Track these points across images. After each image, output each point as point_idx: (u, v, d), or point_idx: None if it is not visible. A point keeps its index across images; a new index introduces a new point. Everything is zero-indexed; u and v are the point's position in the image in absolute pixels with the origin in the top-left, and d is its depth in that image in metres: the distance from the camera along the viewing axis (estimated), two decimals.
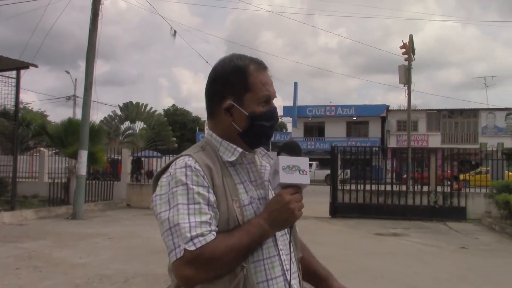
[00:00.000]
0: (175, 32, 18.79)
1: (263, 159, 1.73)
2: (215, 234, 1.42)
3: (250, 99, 1.57)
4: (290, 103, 47.18)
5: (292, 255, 1.60)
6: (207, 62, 58.45)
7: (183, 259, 1.37)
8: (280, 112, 52.02)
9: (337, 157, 16.65)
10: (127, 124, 45.71)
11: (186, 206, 1.42)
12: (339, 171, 16.77)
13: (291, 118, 47.38)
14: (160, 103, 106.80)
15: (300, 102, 47.62)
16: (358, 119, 45.62)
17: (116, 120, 45.69)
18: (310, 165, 39.88)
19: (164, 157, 19.21)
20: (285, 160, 1.51)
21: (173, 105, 66.68)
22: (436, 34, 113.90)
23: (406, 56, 21.22)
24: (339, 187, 16.43)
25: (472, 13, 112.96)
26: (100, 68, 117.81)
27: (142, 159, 28.98)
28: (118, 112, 45.40)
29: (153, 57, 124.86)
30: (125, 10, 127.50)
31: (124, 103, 45.92)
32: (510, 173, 19.26)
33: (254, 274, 1.49)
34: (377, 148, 21.55)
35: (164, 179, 1.50)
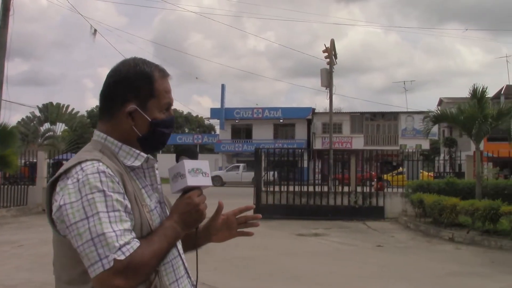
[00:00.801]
0: (95, 30, 18.19)
1: None
2: (138, 241, 1.42)
3: (154, 106, 1.59)
4: (218, 105, 47.12)
5: (184, 255, 1.68)
6: None
7: (113, 270, 1.34)
8: (207, 114, 51.94)
9: (261, 159, 16.72)
10: (47, 126, 43.70)
11: (106, 214, 1.39)
12: (263, 173, 16.83)
13: (218, 120, 47.31)
14: (85, 104, 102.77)
15: (229, 105, 47.79)
16: (285, 122, 46.26)
17: (35, 122, 43.58)
18: (238, 167, 40.16)
19: None
20: (190, 164, 1.58)
21: (97, 106, 64.66)
22: (360, 40, 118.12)
23: (328, 59, 21.74)
24: (263, 189, 16.50)
25: (394, 20, 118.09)
26: (19, 67, 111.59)
27: (63, 162, 27.82)
28: (38, 113, 43.32)
29: (77, 57, 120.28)
30: (46, 7, 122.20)
31: (43, 104, 43.79)
32: (426, 173, 20.22)
33: (166, 276, 1.53)
34: (301, 150, 21.81)
35: (70, 186, 1.42)
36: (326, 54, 21.68)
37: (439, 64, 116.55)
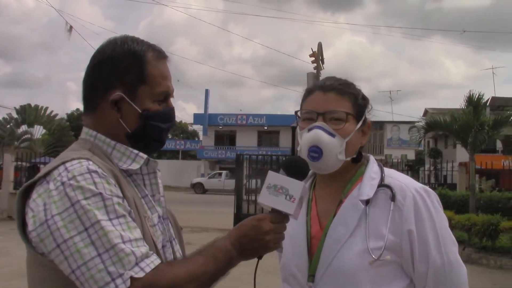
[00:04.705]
0: (70, 27, 17.30)
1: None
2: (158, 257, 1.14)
3: (145, 94, 1.31)
4: (202, 110, 46.36)
5: None
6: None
7: None
8: (190, 119, 51.12)
9: (243, 166, 15.86)
10: (24, 128, 42.41)
11: (110, 222, 1.10)
12: (245, 181, 15.96)
13: (202, 126, 46.54)
14: (67, 108, 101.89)
15: (213, 111, 47.04)
16: (270, 129, 45.54)
17: (11, 124, 42.24)
18: (220, 174, 39.21)
19: None
20: (274, 178, 1.29)
21: (77, 109, 63.34)
22: (345, 50, 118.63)
23: (315, 64, 21.01)
24: (245, 197, 15.62)
25: (379, 31, 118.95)
26: (1, 68, 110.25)
27: (40, 166, 26.68)
28: (15, 115, 42.00)
29: (62, 59, 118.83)
30: (32, 9, 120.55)
31: (21, 106, 42.51)
32: None
33: None
34: (285, 157, 20.98)
35: (54, 192, 1.12)
36: (313, 58, 20.94)
37: (424, 75, 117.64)
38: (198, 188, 38.01)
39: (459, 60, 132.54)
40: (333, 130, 1.49)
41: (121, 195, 1.19)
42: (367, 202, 1.48)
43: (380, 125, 44.49)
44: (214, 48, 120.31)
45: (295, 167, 1.34)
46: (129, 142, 1.33)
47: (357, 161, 1.59)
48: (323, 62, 21.80)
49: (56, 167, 1.20)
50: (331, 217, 1.52)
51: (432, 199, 1.50)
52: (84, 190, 1.13)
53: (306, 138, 1.50)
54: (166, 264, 1.18)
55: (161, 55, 1.37)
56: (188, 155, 53.77)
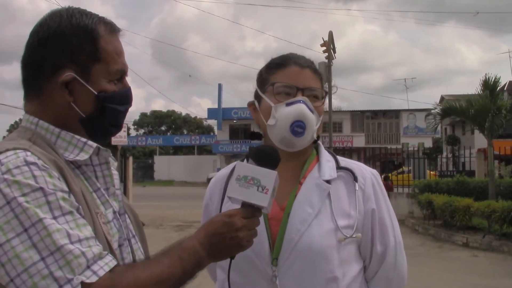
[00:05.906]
0: None
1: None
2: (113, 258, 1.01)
3: (100, 73, 1.16)
4: (216, 105, 46.32)
5: None
6: None
7: None
8: (205, 114, 51.12)
9: None
10: None
11: (54, 220, 0.97)
12: None
13: (216, 121, 46.50)
14: None
15: (228, 105, 46.93)
16: None
17: None
18: None
19: None
20: (244, 168, 1.19)
21: None
22: (358, 39, 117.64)
23: (327, 54, 20.76)
24: None
25: (391, 19, 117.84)
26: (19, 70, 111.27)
27: None
28: None
29: None
30: (45, 10, 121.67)
31: None
32: (432, 172, 19.20)
33: None
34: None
35: None
36: (324, 48, 20.68)
37: (439, 62, 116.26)
38: None
39: (474, 45, 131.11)
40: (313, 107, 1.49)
41: (66, 189, 1.05)
42: (327, 183, 1.50)
43: (395, 113, 43.98)
44: (227, 42, 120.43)
45: (266, 155, 1.23)
46: (84, 128, 1.19)
47: (314, 142, 1.60)
48: (334, 51, 21.54)
49: None
50: (291, 197, 1.48)
51: (381, 182, 1.59)
52: (21, 185, 0.98)
53: (289, 112, 1.46)
54: (126, 267, 1.06)
55: (113, 29, 1.22)
56: (204, 150, 53.87)
